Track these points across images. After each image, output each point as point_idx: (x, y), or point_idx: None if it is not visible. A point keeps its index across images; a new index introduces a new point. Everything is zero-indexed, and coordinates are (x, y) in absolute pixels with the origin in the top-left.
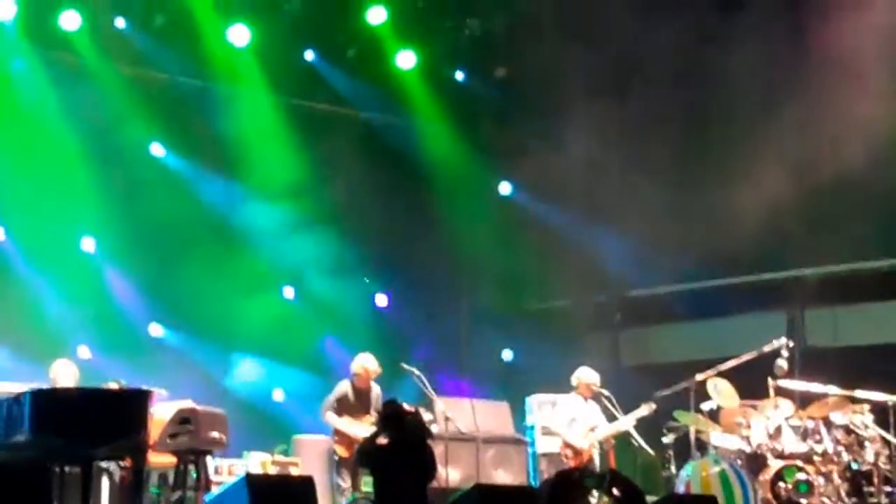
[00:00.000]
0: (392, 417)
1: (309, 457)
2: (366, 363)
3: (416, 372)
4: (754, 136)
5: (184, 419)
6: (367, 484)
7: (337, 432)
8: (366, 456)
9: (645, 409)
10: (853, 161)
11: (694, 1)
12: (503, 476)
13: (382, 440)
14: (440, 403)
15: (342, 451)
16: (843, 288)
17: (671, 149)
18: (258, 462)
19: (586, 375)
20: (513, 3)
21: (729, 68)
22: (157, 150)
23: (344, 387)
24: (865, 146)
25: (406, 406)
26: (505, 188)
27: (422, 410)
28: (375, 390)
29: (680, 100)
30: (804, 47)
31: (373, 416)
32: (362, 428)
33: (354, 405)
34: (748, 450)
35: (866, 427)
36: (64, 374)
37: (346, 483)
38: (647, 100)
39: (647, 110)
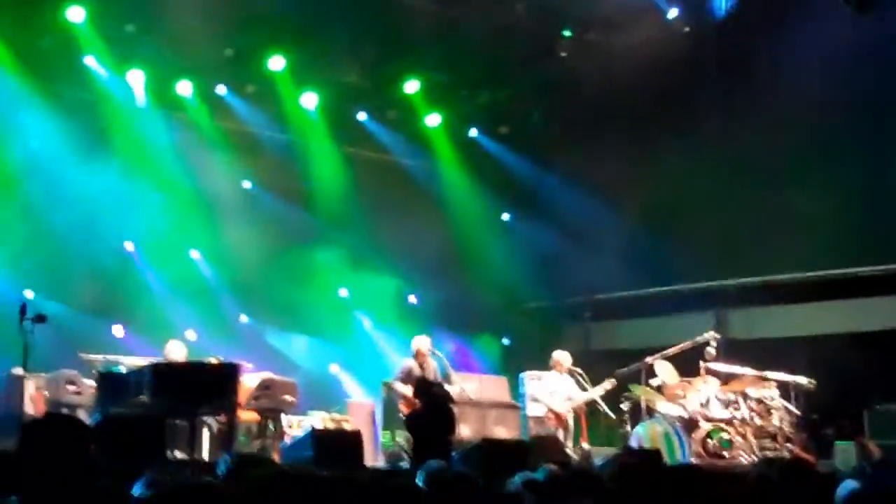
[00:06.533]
0: (423, 390)
1: (357, 415)
2: (422, 344)
3: (440, 354)
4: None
5: (265, 385)
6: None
7: (404, 397)
8: (408, 422)
9: (608, 384)
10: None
11: None
12: (502, 432)
13: (417, 407)
14: (456, 377)
15: (407, 411)
16: (756, 294)
17: (632, 197)
18: (319, 419)
19: (560, 356)
20: (511, 81)
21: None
22: (246, 185)
23: (409, 363)
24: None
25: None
26: (505, 216)
27: (444, 383)
28: (432, 363)
29: (642, 153)
30: None
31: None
32: None
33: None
34: (685, 415)
35: (773, 399)
36: (176, 352)
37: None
38: (611, 154)
39: (615, 161)
